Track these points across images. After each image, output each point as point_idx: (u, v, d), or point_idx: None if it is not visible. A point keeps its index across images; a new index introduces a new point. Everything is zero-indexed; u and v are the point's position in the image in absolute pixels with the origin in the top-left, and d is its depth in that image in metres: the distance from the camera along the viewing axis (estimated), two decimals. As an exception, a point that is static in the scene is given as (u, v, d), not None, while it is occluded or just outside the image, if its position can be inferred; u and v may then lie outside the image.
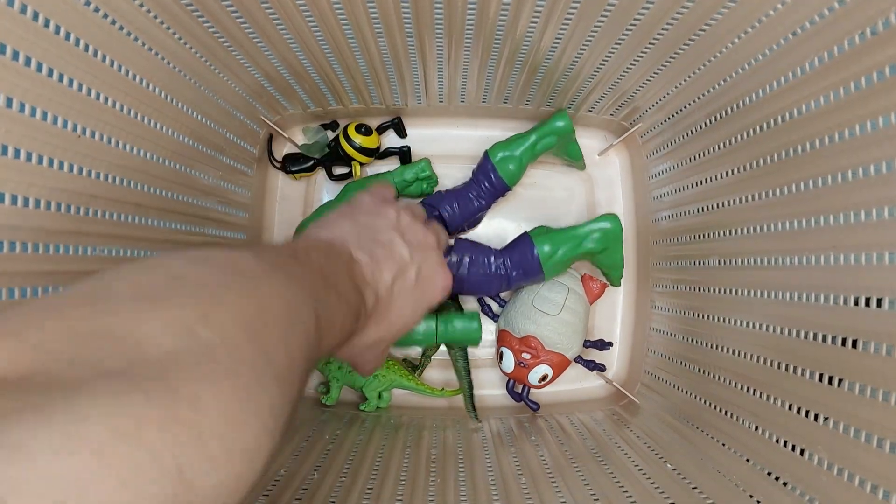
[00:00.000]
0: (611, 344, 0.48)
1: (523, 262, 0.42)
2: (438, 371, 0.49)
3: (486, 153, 0.45)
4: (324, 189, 0.50)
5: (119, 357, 0.13)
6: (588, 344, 0.47)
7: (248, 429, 0.14)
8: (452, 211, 0.45)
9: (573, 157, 0.48)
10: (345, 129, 0.47)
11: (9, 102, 0.23)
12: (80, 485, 0.11)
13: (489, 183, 0.45)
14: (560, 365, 0.44)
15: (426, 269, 0.32)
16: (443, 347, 0.48)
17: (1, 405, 0.11)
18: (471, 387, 0.46)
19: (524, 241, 0.43)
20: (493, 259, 0.43)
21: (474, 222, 0.48)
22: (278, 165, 0.48)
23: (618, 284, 0.47)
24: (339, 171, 0.49)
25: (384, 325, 0.30)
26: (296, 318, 0.19)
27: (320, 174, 0.50)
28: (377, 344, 0.30)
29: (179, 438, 0.12)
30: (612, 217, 0.41)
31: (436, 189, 0.48)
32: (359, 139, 0.46)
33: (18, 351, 0.13)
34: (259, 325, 0.17)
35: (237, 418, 0.14)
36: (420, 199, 0.47)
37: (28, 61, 0.23)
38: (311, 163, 0.48)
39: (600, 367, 0.47)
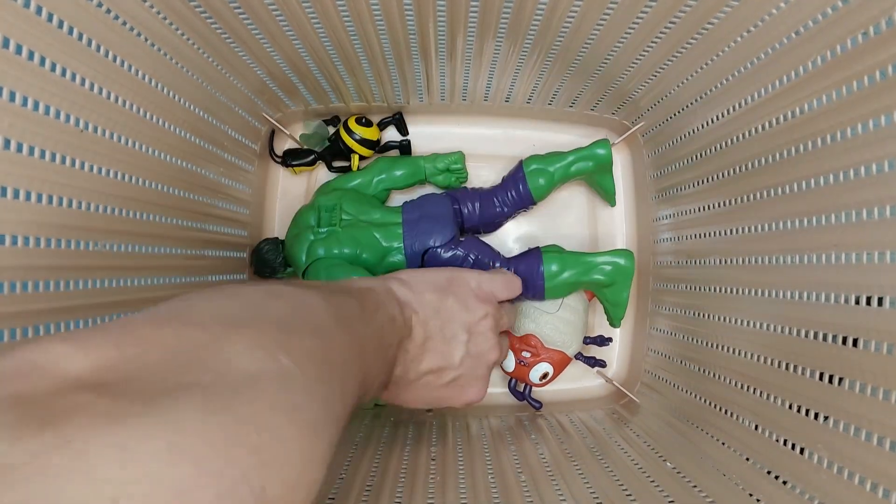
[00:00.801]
0: (610, 339, 0.48)
1: (527, 275, 0.41)
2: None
3: (520, 162, 0.45)
4: (325, 186, 0.50)
5: (209, 372, 0.14)
6: (588, 340, 0.47)
7: (314, 465, 0.15)
8: (472, 209, 0.45)
9: (606, 190, 0.47)
10: (345, 121, 0.47)
11: (11, 96, 0.23)
12: (182, 493, 0.11)
13: (515, 192, 0.44)
14: (561, 363, 0.44)
15: (466, 378, 0.32)
16: None
17: (108, 407, 0.12)
18: None
19: (534, 254, 0.42)
20: (497, 265, 0.43)
21: (491, 227, 0.47)
22: (279, 160, 0.49)
23: (617, 325, 0.45)
24: (338, 164, 0.49)
25: (390, 395, 0.31)
26: (349, 372, 0.20)
27: (321, 170, 0.50)
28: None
29: (264, 463, 0.13)
30: (627, 253, 0.41)
31: (463, 186, 0.48)
32: (359, 131, 0.46)
33: (119, 358, 0.13)
34: (326, 367, 0.18)
35: (306, 454, 0.15)
36: (445, 191, 0.47)
37: (31, 55, 0.23)
38: (312, 157, 0.48)
39: (601, 364, 0.47)
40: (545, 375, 0.44)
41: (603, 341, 0.48)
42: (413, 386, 0.30)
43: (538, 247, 0.43)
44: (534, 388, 0.46)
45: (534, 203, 0.45)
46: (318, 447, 0.15)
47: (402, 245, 0.42)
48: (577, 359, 0.46)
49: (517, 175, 0.44)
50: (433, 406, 0.33)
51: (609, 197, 0.48)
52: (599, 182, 0.47)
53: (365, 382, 0.22)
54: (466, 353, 0.31)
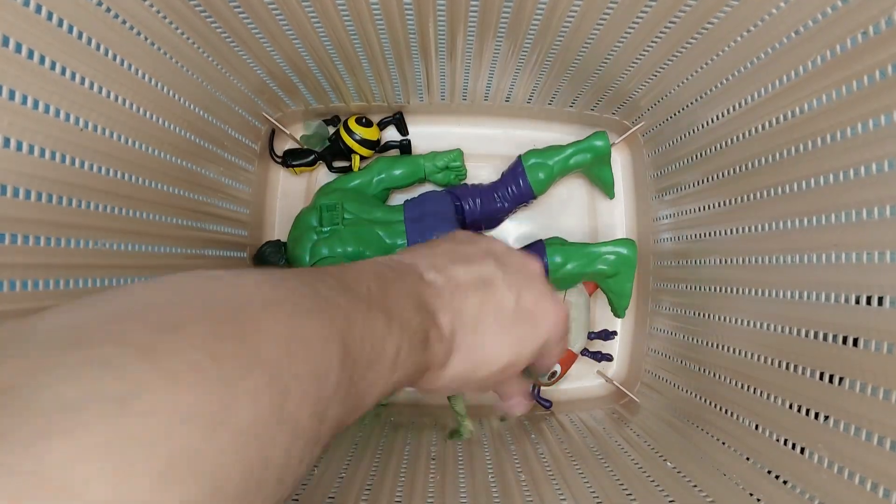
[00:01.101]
0: (615, 333, 0.48)
1: None
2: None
3: (518, 157, 0.45)
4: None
5: (13, 415, 0.10)
6: (592, 336, 0.47)
7: None
8: (473, 205, 0.45)
9: (604, 182, 0.47)
10: (345, 121, 0.47)
11: (11, 95, 0.23)
12: None
13: (516, 187, 0.44)
14: (567, 360, 0.44)
15: (529, 296, 0.25)
16: None
17: None
18: None
19: (537, 247, 0.42)
20: None
21: (493, 223, 0.47)
22: (279, 160, 0.49)
23: (621, 315, 0.45)
24: (338, 164, 0.49)
25: (471, 361, 0.24)
26: (303, 357, 0.14)
27: (321, 170, 0.50)
28: (461, 383, 0.24)
29: None
30: (630, 242, 0.41)
31: (462, 183, 0.48)
32: (359, 131, 0.46)
33: None
34: (232, 364, 0.12)
35: None
36: (445, 188, 0.47)
37: (31, 54, 0.23)
38: (312, 157, 0.48)
39: (608, 358, 0.47)
40: (554, 374, 0.44)
41: (608, 335, 0.48)
42: (482, 331, 0.24)
43: (541, 239, 0.43)
44: (542, 388, 0.47)
45: (534, 197, 0.45)
46: (169, 499, 0.10)
47: (405, 242, 0.42)
48: (583, 355, 0.46)
49: (516, 170, 0.45)
50: (521, 353, 0.25)
51: (608, 188, 0.48)
52: (598, 174, 0.47)
53: (361, 357, 0.17)
54: (502, 270, 0.25)
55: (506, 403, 0.29)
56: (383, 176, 0.46)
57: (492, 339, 0.24)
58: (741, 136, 0.34)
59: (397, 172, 0.46)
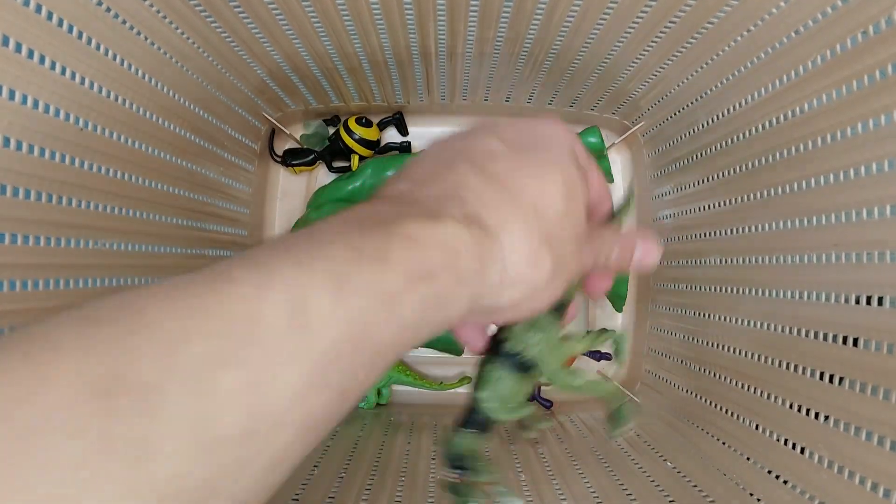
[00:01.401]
0: (614, 332, 0.48)
1: None
2: (438, 367, 0.49)
3: None
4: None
5: None
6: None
7: None
8: None
9: (602, 171, 0.47)
10: (345, 121, 0.47)
11: (11, 95, 0.23)
12: None
13: None
14: (567, 359, 0.44)
15: (510, 133, 0.20)
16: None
17: None
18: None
19: None
20: None
21: None
22: (279, 160, 0.49)
23: (619, 310, 0.46)
24: (338, 164, 0.49)
25: (523, 210, 0.17)
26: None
27: (321, 170, 0.50)
28: (555, 258, 0.18)
29: None
30: None
31: None
32: (359, 131, 0.46)
33: None
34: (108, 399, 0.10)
35: None
36: None
37: (31, 54, 0.23)
38: (312, 156, 0.48)
39: (607, 357, 0.48)
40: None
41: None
42: (491, 174, 0.18)
43: None
44: (542, 388, 0.47)
45: None
46: None
47: None
48: (583, 354, 0.47)
49: None
50: (572, 174, 0.19)
51: (606, 175, 0.48)
52: None
53: (135, 395, 0.10)
54: (460, 140, 0.20)
55: (630, 255, 0.22)
56: (375, 180, 0.46)
57: (517, 176, 0.18)
58: (741, 135, 0.34)
59: (389, 174, 0.46)
